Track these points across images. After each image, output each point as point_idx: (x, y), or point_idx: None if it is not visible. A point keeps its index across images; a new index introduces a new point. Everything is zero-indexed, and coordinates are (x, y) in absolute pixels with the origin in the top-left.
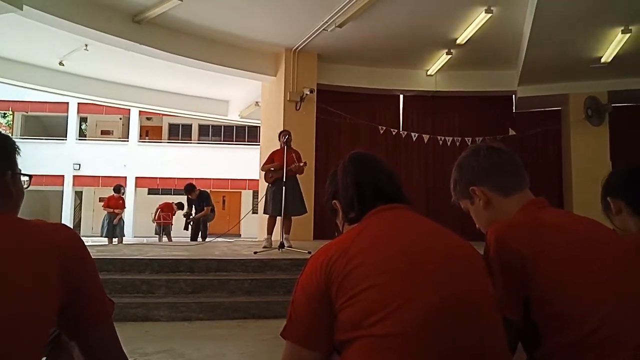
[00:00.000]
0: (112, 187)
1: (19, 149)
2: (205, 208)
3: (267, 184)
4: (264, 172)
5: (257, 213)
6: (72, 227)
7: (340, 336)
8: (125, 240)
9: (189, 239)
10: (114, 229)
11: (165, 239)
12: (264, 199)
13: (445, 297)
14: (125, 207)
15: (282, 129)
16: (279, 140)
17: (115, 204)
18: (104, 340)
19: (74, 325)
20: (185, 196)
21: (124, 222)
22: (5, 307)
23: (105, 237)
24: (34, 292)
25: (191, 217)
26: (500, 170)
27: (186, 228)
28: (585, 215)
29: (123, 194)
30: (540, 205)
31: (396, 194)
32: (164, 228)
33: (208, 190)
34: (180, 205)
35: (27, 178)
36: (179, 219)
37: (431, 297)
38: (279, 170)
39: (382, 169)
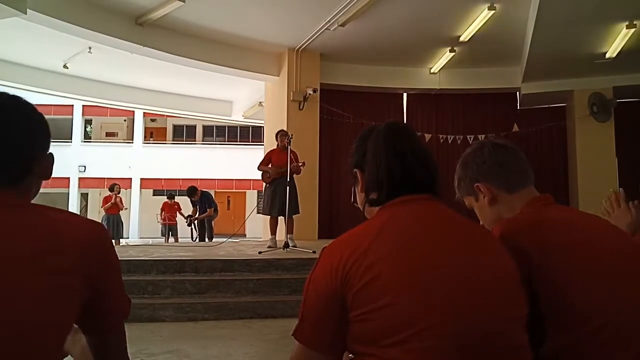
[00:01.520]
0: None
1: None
2: (207, 209)
3: (264, 184)
4: (261, 172)
5: (260, 213)
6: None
7: (353, 346)
8: (129, 242)
9: (194, 240)
10: (113, 229)
11: (172, 239)
12: (262, 199)
13: (468, 327)
14: (122, 207)
15: (279, 129)
16: (277, 139)
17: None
18: (115, 340)
19: (90, 324)
20: (188, 198)
21: (122, 222)
22: (22, 309)
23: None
24: (53, 295)
25: (193, 217)
26: (506, 166)
27: (189, 224)
28: (591, 212)
29: (119, 193)
30: (546, 201)
31: (428, 180)
32: (170, 228)
33: (212, 191)
34: (170, 196)
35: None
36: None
37: (453, 326)
38: (278, 171)
39: (415, 147)
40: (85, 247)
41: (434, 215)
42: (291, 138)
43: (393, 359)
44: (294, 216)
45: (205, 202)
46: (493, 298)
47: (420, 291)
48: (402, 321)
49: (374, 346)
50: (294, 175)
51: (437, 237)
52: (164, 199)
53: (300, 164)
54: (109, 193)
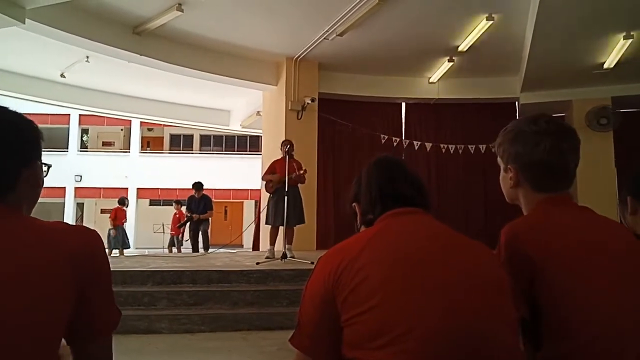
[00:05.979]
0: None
1: (42, 135)
2: (208, 211)
3: (268, 194)
4: (264, 182)
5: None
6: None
7: (344, 351)
8: (125, 252)
9: (190, 250)
10: (118, 240)
11: (175, 250)
12: (265, 209)
13: (451, 329)
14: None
15: (284, 139)
16: (281, 150)
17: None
18: (99, 352)
19: (73, 331)
20: (187, 198)
21: (121, 232)
22: (11, 320)
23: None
24: (42, 305)
25: (192, 215)
26: (551, 171)
27: (191, 238)
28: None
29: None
30: (557, 202)
31: (417, 198)
32: (175, 238)
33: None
34: (177, 202)
35: (46, 168)
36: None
37: (435, 328)
38: (281, 180)
39: (405, 173)
40: (80, 256)
41: (423, 226)
42: (289, 148)
43: None
44: (297, 226)
45: (205, 203)
46: (477, 301)
47: (405, 294)
48: (386, 323)
49: (360, 349)
50: (299, 185)
51: (424, 245)
52: (161, 209)
53: (302, 172)
54: (117, 205)
